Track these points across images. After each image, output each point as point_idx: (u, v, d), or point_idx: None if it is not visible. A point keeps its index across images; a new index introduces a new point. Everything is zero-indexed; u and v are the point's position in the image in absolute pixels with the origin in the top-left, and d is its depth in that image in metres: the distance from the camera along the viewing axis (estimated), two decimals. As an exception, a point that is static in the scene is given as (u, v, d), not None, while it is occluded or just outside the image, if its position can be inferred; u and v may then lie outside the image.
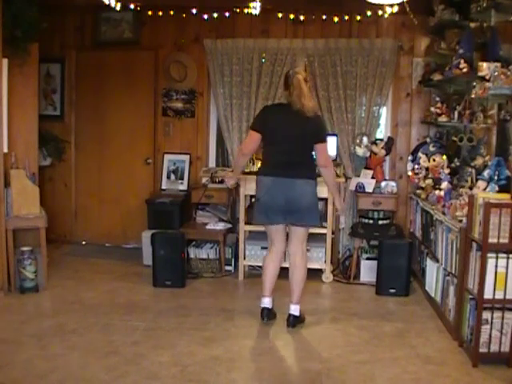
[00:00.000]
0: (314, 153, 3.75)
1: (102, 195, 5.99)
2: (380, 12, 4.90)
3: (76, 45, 5.81)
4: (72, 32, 5.79)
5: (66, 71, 5.86)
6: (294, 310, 3.79)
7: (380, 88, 5.26)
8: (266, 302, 3.82)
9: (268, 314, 3.81)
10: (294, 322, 3.76)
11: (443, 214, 3.95)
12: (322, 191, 4.70)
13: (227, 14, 5.29)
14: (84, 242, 6.02)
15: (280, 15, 5.27)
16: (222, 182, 5.26)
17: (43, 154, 5.50)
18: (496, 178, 3.58)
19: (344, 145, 5.32)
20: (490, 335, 3.19)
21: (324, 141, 3.73)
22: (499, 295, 3.15)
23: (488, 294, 3.15)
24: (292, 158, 3.68)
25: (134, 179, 5.89)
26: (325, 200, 4.80)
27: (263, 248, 4.75)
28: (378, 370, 3.15)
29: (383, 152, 5.18)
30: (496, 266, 3.13)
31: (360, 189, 5.05)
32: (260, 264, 4.52)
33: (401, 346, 3.50)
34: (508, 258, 3.13)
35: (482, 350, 3.20)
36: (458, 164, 4.49)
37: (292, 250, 3.84)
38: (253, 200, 4.39)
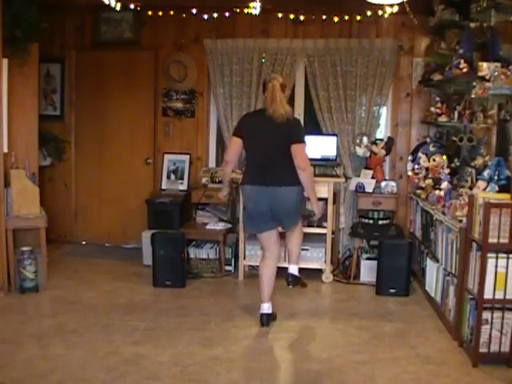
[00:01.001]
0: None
1: (102, 195, 5.99)
2: (380, 12, 4.90)
3: (76, 45, 5.81)
4: (72, 32, 5.79)
5: (66, 71, 5.86)
6: (293, 269, 3.88)
7: (380, 88, 5.26)
8: (266, 308, 3.78)
9: (268, 320, 3.77)
10: (294, 281, 3.85)
11: (443, 214, 3.95)
12: (322, 191, 4.72)
13: (227, 14, 5.29)
14: (84, 242, 6.02)
15: (280, 15, 5.27)
16: (221, 182, 5.24)
17: (43, 153, 5.50)
18: (496, 177, 3.58)
19: (344, 145, 5.31)
20: (490, 335, 3.19)
21: (299, 141, 3.62)
22: (499, 295, 3.15)
23: (488, 294, 3.15)
24: (271, 164, 3.63)
25: (134, 179, 5.88)
26: (325, 200, 4.80)
27: (263, 248, 4.75)
28: (378, 369, 3.15)
29: (383, 152, 5.18)
30: (496, 266, 3.13)
31: (360, 189, 5.05)
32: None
33: (401, 345, 3.51)
34: (508, 257, 3.13)
35: (482, 349, 3.20)
36: (458, 164, 4.49)
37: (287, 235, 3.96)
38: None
